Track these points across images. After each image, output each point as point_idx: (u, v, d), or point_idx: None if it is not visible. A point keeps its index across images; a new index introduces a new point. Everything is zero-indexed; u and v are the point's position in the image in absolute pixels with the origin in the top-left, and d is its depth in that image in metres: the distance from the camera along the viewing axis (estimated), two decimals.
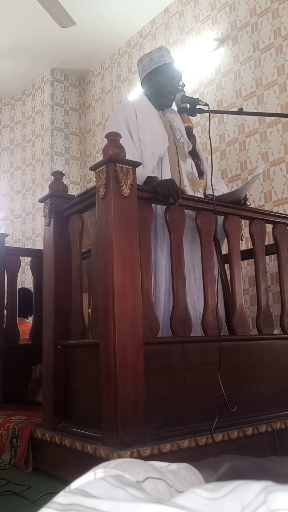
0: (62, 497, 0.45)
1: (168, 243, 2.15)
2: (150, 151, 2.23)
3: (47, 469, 1.92)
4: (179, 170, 2.31)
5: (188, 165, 2.38)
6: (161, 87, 2.38)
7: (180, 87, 2.45)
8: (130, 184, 1.75)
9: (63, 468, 1.83)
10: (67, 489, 0.47)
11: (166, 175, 2.24)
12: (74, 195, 2.21)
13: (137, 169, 1.84)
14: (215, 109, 3.74)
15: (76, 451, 1.73)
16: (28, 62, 5.29)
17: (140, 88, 2.52)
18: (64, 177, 2.26)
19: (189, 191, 2.29)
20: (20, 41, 4.89)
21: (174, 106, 2.55)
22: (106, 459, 1.52)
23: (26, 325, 3.66)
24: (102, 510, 0.39)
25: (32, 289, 3.34)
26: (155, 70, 2.39)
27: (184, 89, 2.61)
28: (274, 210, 3.18)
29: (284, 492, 0.39)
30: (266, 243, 2.36)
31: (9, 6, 4.35)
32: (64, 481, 1.76)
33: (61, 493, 0.47)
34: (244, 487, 0.41)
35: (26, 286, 5.31)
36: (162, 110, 2.46)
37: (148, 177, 2.12)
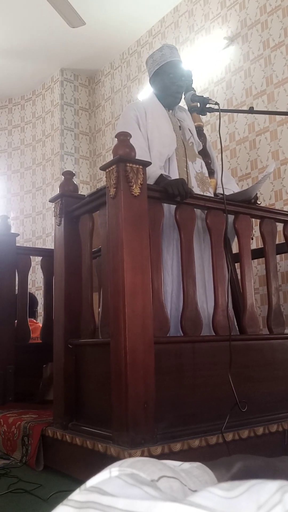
0: (78, 495, 0.45)
1: (175, 243, 2.16)
2: (158, 152, 2.23)
3: (58, 468, 1.93)
4: (187, 171, 2.31)
5: (197, 165, 2.37)
6: (165, 87, 2.38)
7: (184, 84, 2.42)
8: (140, 183, 1.75)
9: (74, 467, 1.84)
10: (83, 487, 0.48)
11: (174, 176, 2.24)
12: (84, 195, 2.22)
13: (149, 167, 1.84)
14: (225, 107, 3.73)
15: (87, 449, 1.74)
16: (38, 62, 5.31)
17: (150, 87, 2.53)
18: (74, 177, 2.27)
19: (198, 191, 2.29)
20: (30, 42, 4.91)
21: (184, 105, 2.54)
22: (117, 458, 1.53)
23: (33, 323, 3.69)
24: (118, 507, 0.40)
25: (42, 288, 3.36)
26: (157, 71, 2.39)
27: (194, 87, 2.61)
28: (284, 209, 3.16)
29: None
30: (277, 242, 2.35)
31: (19, 7, 4.37)
32: (74, 480, 1.77)
33: (77, 491, 0.47)
34: (259, 486, 0.41)
35: (36, 285, 5.34)
36: (172, 109, 2.45)
37: (160, 175, 2.12)
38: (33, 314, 4.07)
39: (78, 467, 1.81)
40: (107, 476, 0.48)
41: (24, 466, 2.02)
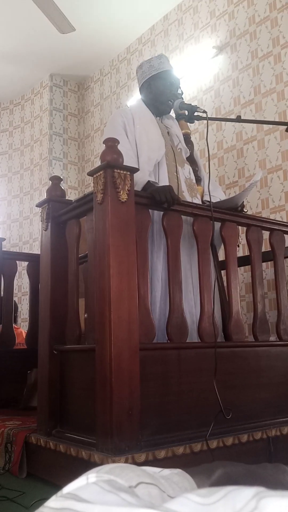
0: (54, 502, 0.45)
1: (165, 249, 2.16)
2: (147, 157, 2.24)
3: (41, 475, 1.91)
4: (177, 176, 2.32)
5: (186, 171, 2.39)
6: (160, 94, 2.40)
7: (178, 94, 2.47)
8: (127, 189, 1.75)
9: (57, 474, 1.82)
10: (59, 493, 0.47)
11: (164, 180, 2.25)
12: (71, 200, 2.22)
13: (137, 173, 1.85)
14: (213, 116, 3.76)
15: (70, 456, 1.72)
16: (27, 67, 5.31)
17: (139, 94, 2.54)
18: (62, 182, 2.27)
19: (187, 196, 2.30)
20: (20, 46, 4.91)
21: (172, 113, 2.56)
22: (101, 465, 1.51)
23: (14, 329, 3.66)
24: None
25: (28, 294, 3.34)
26: (154, 76, 2.40)
27: (183, 96, 2.63)
28: (271, 217, 3.19)
29: (276, 498, 0.39)
30: (263, 250, 2.36)
31: (9, 12, 4.37)
32: (58, 487, 1.75)
33: (53, 497, 0.47)
34: (236, 493, 0.41)
35: (23, 291, 5.30)
36: (159, 116, 2.47)
37: (148, 182, 2.13)
38: (14, 319, 4.04)
39: (61, 475, 1.79)
40: (84, 483, 0.47)
41: (7, 473, 1.99)
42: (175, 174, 2.32)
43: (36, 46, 4.89)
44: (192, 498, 0.41)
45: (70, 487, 0.48)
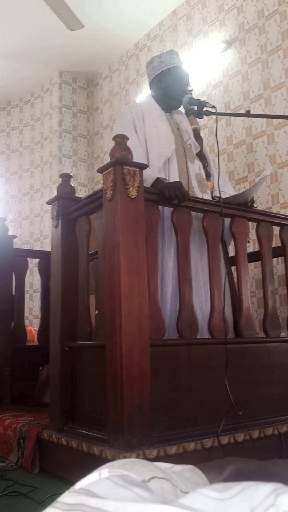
0: (67, 497, 0.45)
1: (175, 245, 2.16)
2: (157, 153, 2.24)
3: (53, 470, 1.93)
4: (187, 172, 2.31)
5: (196, 167, 2.38)
6: (170, 89, 2.40)
7: (188, 90, 2.46)
8: (137, 186, 1.75)
9: (69, 470, 1.84)
10: (72, 489, 0.47)
11: (174, 176, 2.25)
12: (81, 197, 2.22)
13: (146, 170, 1.84)
14: (223, 111, 3.74)
15: (82, 452, 1.73)
16: (37, 65, 5.32)
17: (148, 90, 2.53)
18: (72, 179, 2.27)
19: (198, 192, 2.30)
20: (29, 44, 4.92)
21: (181, 108, 2.55)
22: (112, 460, 1.52)
23: None
24: (108, 510, 0.39)
25: (39, 291, 3.36)
26: (165, 72, 2.40)
27: (192, 91, 2.62)
28: (281, 213, 3.17)
29: None
30: (273, 245, 2.35)
31: (19, 9, 4.38)
32: (70, 482, 1.77)
33: (66, 493, 0.47)
34: (253, 489, 0.41)
35: (34, 288, 5.33)
36: (169, 112, 2.46)
37: (157, 178, 2.12)
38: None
39: (73, 470, 1.80)
40: (96, 478, 0.48)
41: (20, 468, 2.01)
42: (185, 169, 2.31)
43: (45, 43, 4.90)
44: (207, 493, 0.41)
45: (82, 483, 0.48)
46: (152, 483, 0.48)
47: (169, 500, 0.43)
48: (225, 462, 0.67)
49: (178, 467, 0.58)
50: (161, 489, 0.48)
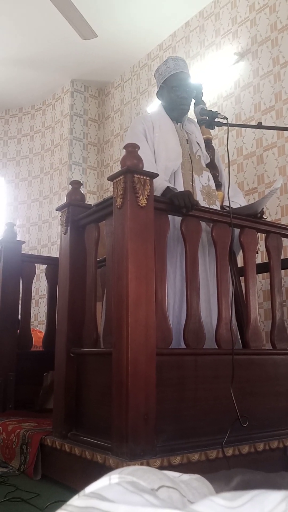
0: (77, 500, 0.45)
1: (178, 256, 2.16)
2: (164, 166, 2.24)
3: (56, 477, 1.92)
4: (193, 185, 2.32)
5: (203, 179, 2.38)
6: (170, 101, 2.41)
7: (189, 96, 2.42)
8: (147, 195, 1.76)
9: (72, 477, 1.83)
10: (81, 493, 0.47)
11: (179, 189, 2.25)
12: (91, 205, 2.23)
13: (156, 179, 1.85)
14: (234, 122, 3.75)
15: (85, 460, 1.73)
16: (49, 73, 5.37)
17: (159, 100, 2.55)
18: (81, 187, 2.29)
19: (204, 205, 2.29)
20: (43, 52, 4.97)
21: (194, 117, 2.56)
22: (116, 469, 1.51)
23: None
24: None
25: (46, 296, 3.37)
26: (163, 84, 2.42)
27: (204, 101, 2.63)
28: None
29: None
30: (282, 257, 2.34)
31: (33, 18, 4.43)
32: (72, 490, 1.76)
33: (76, 496, 0.47)
34: (263, 496, 0.40)
35: (40, 293, 5.34)
36: (180, 121, 2.46)
37: (167, 188, 2.13)
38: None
39: (76, 477, 1.79)
40: (106, 483, 0.47)
41: (22, 474, 2.00)
42: (191, 183, 2.32)
43: (58, 52, 4.95)
44: (218, 501, 0.41)
45: (92, 487, 0.48)
46: (160, 492, 0.48)
47: (179, 507, 0.42)
48: (232, 473, 0.67)
49: (185, 476, 0.58)
50: (169, 498, 0.48)
